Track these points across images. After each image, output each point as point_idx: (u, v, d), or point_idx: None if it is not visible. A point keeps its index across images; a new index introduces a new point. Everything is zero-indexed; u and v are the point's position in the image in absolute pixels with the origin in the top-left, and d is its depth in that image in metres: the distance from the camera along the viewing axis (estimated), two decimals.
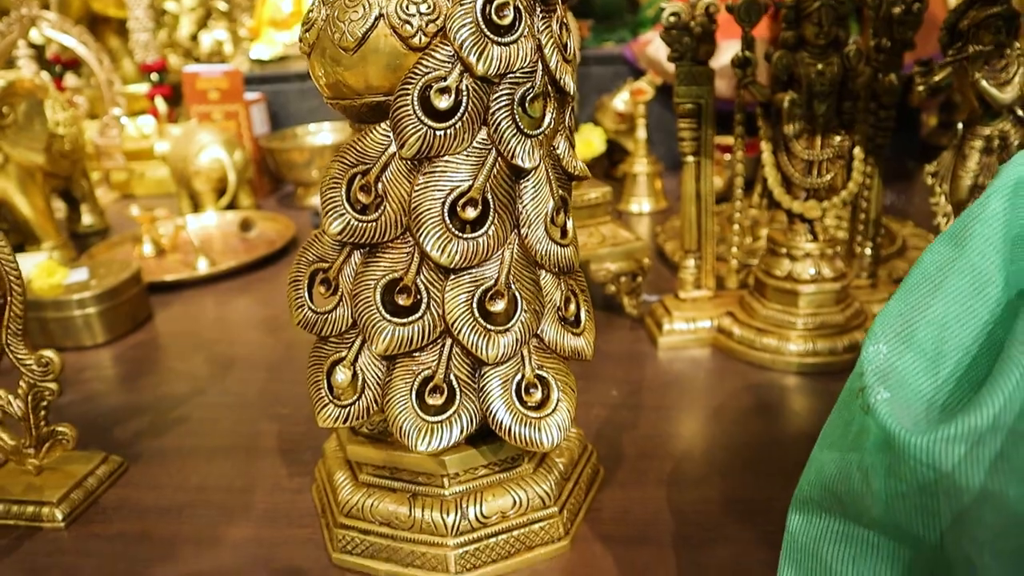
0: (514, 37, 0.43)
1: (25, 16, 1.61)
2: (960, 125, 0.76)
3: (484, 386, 0.47)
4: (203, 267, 1.14)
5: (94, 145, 1.72)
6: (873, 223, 0.88)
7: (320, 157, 1.46)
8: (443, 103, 0.43)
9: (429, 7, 0.43)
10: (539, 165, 0.46)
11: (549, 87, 0.45)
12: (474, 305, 0.46)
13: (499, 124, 0.44)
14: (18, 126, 1.22)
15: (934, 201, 0.78)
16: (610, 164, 1.46)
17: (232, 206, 1.44)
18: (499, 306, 0.46)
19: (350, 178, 0.46)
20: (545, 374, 0.49)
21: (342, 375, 0.48)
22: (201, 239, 1.28)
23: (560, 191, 0.48)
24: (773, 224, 1.03)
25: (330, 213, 0.46)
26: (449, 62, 0.43)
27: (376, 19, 0.44)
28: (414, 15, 0.43)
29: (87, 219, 1.44)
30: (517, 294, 0.47)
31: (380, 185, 0.45)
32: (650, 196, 1.32)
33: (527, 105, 0.44)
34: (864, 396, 0.35)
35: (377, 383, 0.48)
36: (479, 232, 0.45)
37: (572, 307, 0.51)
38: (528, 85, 0.44)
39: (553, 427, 0.48)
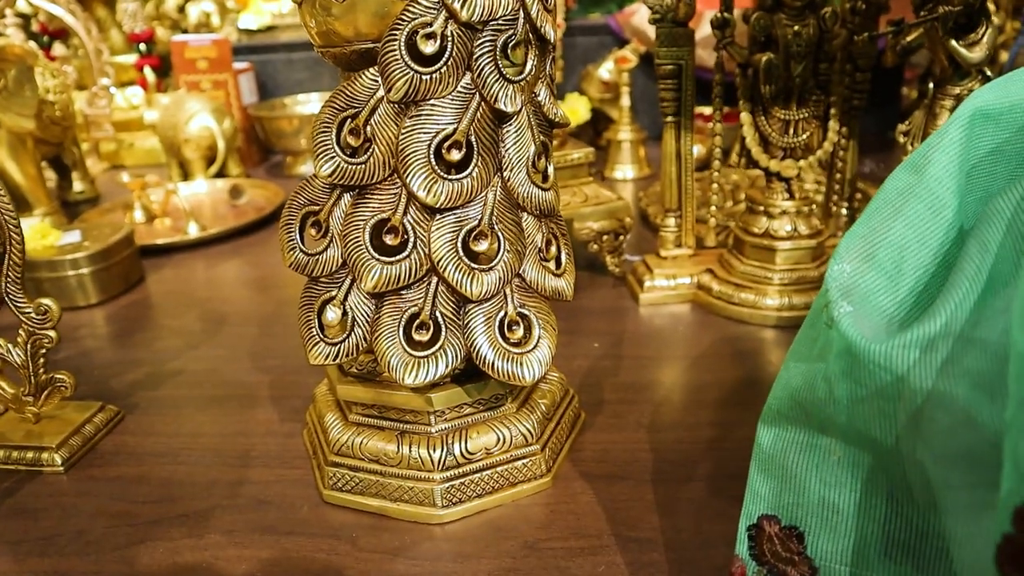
0: None
1: None
2: (931, 84, 0.78)
3: (468, 323, 0.49)
4: (193, 231, 1.16)
5: (83, 115, 1.72)
6: (849, 183, 0.91)
7: (308, 126, 1.48)
8: (429, 48, 0.45)
9: None
10: (521, 110, 0.48)
11: (530, 35, 0.47)
12: (459, 244, 0.48)
13: (483, 69, 0.46)
14: (8, 92, 1.23)
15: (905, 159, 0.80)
16: (595, 132, 1.48)
17: (221, 174, 1.45)
18: (483, 246, 0.48)
19: (340, 122, 0.48)
20: (527, 312, 0.51)
21: (332, 314, 0.50)
22: (191, 205, 1.29)
23: (541, 136, 0.50)
24: (752, 188, 1.05)
25: (321, 156, 0.48)
26: (435, 8, 0.45)
27: None
28: None
29: (78, 186, 1.45)
30: (500, 235, 0.49)
31: (368, 128, 0.47)
32: (634, 163, 1.34)
33: (509, 51, 0.46)
34: (828, 311, 0.37)
35: (366, 321, 0.50)
36: (463, 174, 0.47)
37: (553, 249, 0.53)
38: (510, 32, 0.46)
39: (535, 362, 0.50)
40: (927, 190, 0.37)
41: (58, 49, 1.80)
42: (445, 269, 0.48)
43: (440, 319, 0.49)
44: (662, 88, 0.82)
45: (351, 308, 0.50)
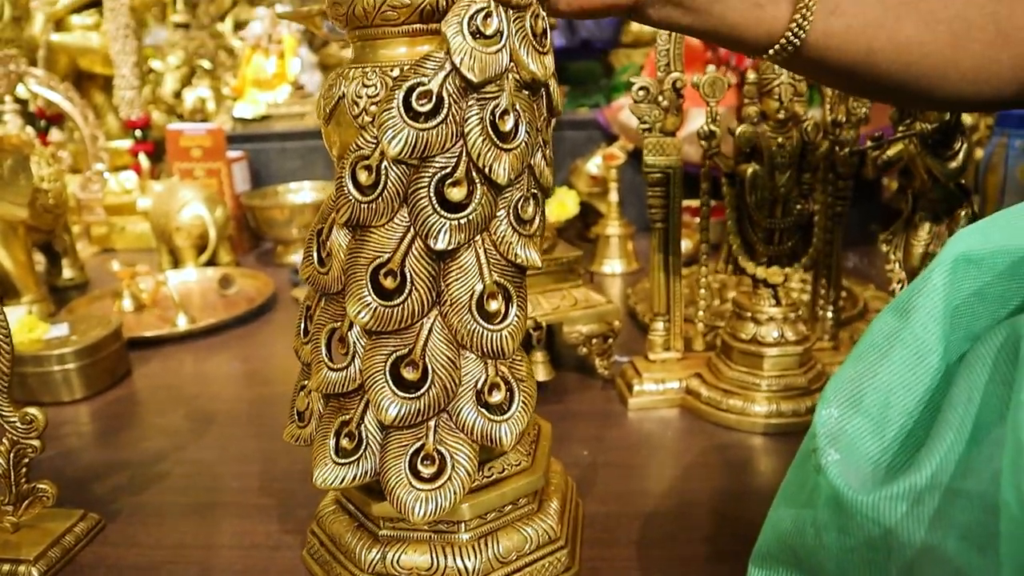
0: (434, 123, 0.46)
1: (13, 72, 1.64)
2: (911, 195, 0.81)
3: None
4: (183, 323, 1.16)
5: (75, 199, 1.74)
6: (834, 287, 0.92)
7: (300, 215, 1.49)
8: (364, 178, 0.47)
9: (375, 91, 0.48)
10: (462, 248, 0.48)
11: (474, 174, 0.47)
12: (387, 368, 0.49)
13: (417, 203, 0.47)
14: (4, 181, 1.24)
15: (889, 268, 0.82)
16: (584, 226, 1.50)
17: (212, 263, 1.46)
18: (410, 374, 0.49)
19: (318, 231, 0.52)
20: (444, 450, 0.50)
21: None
22: (181, 295, 1.29)
23: (497, 276, 0.49)
24: (740, 287, 1.06)
25: (303, 262, 0.53)
26: (373, 142, 0.47)
27: (339, 99, 0.50)
28: (361, 97, 0.48)
29: (67, 273, 1.45)
30: (429, 366, 0.49)
31: (328, 244, 0.51)
32: (622, 257, 1.36)
33: (445, 190, 0.47)
34: (816, 457, 0.38)
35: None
36: (396, 301, 0.48)
37: (498, 395, 0.51)
38: (446, 170, 0.47)
39: (441, 497, 0.49)
40: (912, 335, 0.38)
41: (54, 133, 1.82)
42: (370, 389, 0.49)
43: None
44: (650, 195, 0.84)
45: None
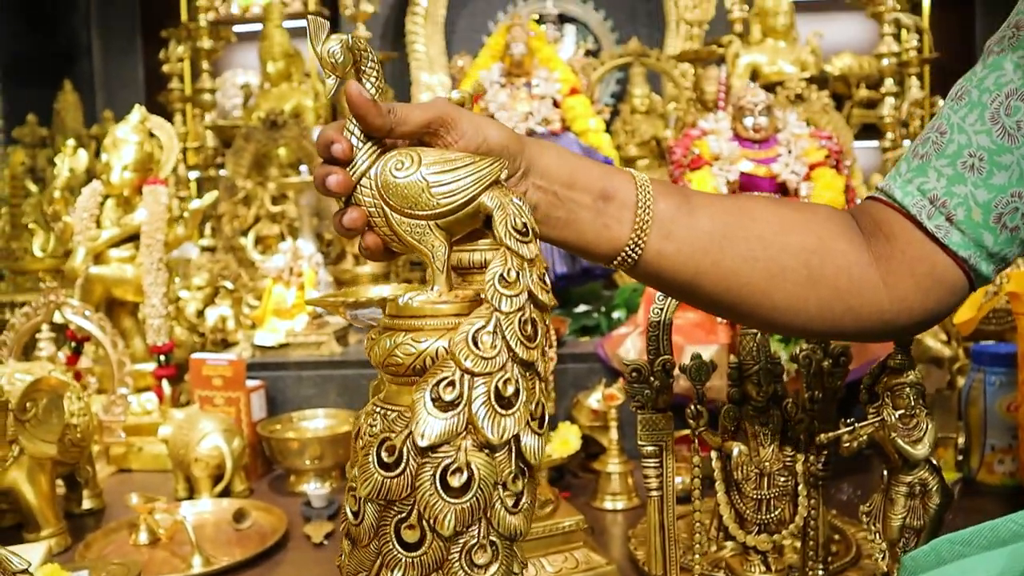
0: (395, 473, 0.54)
1: (52, 302, 1.76)
2: (886, 472, 0.88)
3: None
4: (198, 565, 1.20)
5: (97, 419, 1.81)
6: (823, 547, 0.97)
7: (312, 446, 1.56)
8: (351, 505, 0.55)
9: (376, 429, 0.57)
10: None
11: (424, 521, 0.54)
12: None
13: (381, 537, 0.55)
14: (37, 420, 1.32)
15: (870, 538, 0.88)
16: (586, 457, 1.56)
17: (227, 491, 1.51)
18: None
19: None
20: None
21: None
22: (195, 526, 1.33)
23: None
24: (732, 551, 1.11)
25: None
26: (402, 425, 0.55)
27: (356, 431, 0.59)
28: (365, 433, 0.58)
29: (87, 503, 1.50)
30: None
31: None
32: (623, 494, 1.41)
33: (402, 530, 0.54)
34: None
35: None
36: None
37: None
38: (403, 514, 0.54)
39: None
40: None
41: (84, 361, 1.92)
42: None
43: None
44: (645, 466, 0.91)
45: None
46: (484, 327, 0.55)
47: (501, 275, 0.56)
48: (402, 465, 0.54)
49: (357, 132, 0.60)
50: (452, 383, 0.54)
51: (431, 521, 0.53)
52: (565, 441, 1.43)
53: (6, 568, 0.70)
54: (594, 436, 1.54)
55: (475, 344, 0.54)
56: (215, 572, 1.20)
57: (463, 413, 0.53)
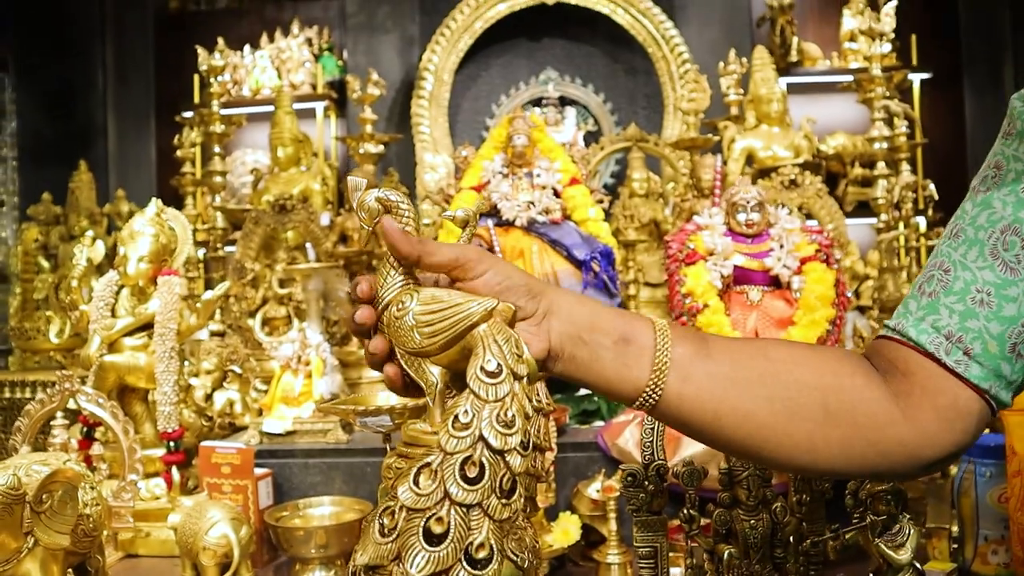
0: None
1: (67, 390, 1.81)
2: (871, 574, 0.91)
3: None
4: None
5: (107, 505, 1.84)
6: None
7: (318, 534, 1.59)
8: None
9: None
10: None
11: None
12: None
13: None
14: (52, 511, 1.36)
15: None
16: (586, 546, 1.59)
17: None
18: None
19: None
20: None
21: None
22: None
23: None
24: None
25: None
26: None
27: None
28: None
29: None
30: None
31: None
32: None
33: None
34: None
35: None
36: None
37: None
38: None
39: None
40: None
41: (96, 447, 1.96)
42: None
43: None
44: (641, 566, 0.95)
45: None
46: (429, 464, 0.59)
47: (456, 416, 0.59)
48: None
49: (392, 262, 0.65)
50: (392, 513, 0.59)
51: None
52: (566, 531, 1.46)
53: None
54: (594, 525, 1.57)
55: (415, 481, 0.59)
56: None
57: (395, 543, 0.58)
